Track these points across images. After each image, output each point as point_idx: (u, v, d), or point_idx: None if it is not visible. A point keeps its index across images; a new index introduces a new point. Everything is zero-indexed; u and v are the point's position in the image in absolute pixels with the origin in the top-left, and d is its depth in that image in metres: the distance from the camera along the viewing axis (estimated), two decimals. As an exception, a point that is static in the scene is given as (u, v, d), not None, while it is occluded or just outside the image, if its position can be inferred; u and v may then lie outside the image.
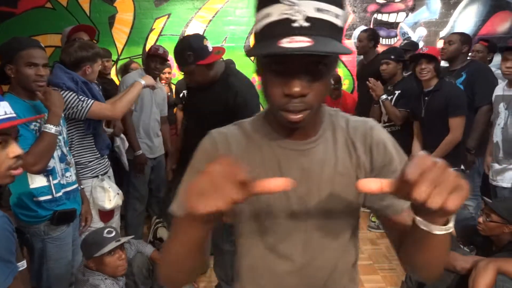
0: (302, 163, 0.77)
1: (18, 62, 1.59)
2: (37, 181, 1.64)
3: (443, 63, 2.91)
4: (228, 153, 0.77)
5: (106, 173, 2.27)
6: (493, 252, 2.04)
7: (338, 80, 3.88)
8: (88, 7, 4.32)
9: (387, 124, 3.13)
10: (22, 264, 1.34)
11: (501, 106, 2.48)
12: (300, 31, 0.60)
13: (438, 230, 0.59)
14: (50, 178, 1.68)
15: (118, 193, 2.27)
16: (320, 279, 0.81)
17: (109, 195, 2.18)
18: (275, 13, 0.61)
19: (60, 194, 1.71)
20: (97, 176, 2.18)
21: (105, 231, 1.83)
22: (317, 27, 0.61)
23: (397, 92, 3.02)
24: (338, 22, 0.63)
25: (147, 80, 2.35)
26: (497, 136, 2.52)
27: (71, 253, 1.82)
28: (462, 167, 2.66)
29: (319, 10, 0.61)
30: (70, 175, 1.80)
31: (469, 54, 3.17)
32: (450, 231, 0.59)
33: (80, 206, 1.89)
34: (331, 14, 0.62)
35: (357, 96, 3.81)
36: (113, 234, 1.83)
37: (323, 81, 0.67)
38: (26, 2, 4.26)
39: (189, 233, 0.65)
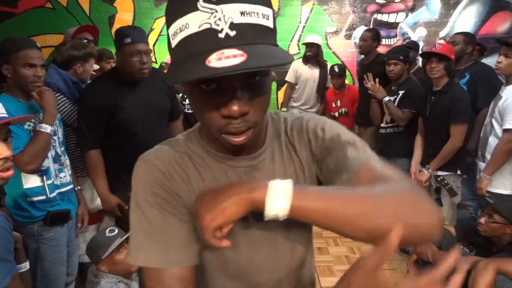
0: (256, 178, 0.70)
1: (15, 62, 1.59)
2: (31, 181, 1.63)
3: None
4: (179, 179, 0.67)
5: None
6: (493, 252, 2.04)
7: (342, 70, 3.86)
8: (88, 7, 4.32)
9: (390, 124, 3.11)
10: (25, 266, 1.33)
11: (492, 105, 2.46)
12: (228, 42, 0.51)
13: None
14: (44, 179, 1.67)
15: None
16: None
17: (92, 195, 2.13)
18: (193, 23, 0.52)
19: (54, 194, 1.70)
20: (84, 177, 2.14)
21: (107, 231, 1.80)
22: (247, 34, 0.52)
23: (401, 92, 2.98)
24: (268, 23, 0.56)
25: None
26: (481, 133, 2.52)
27: (65, 254, 1.80)
28: (459, 172, 2.63)
29: (244, 13, 0.52)
30: (65, 176, 1.79)
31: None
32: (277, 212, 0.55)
33: (75, 207, 1.87)
34: (260, 16, 0.53)
35: (358, 97, 3.80)
36: (116, 232, 1.79)
37: (263, 93, 0.59)
38: (26, 2, 4.26)
39: None
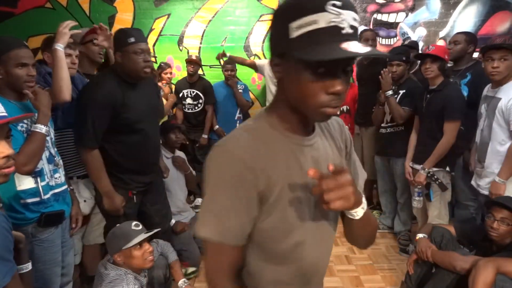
0: (313, 156, 0.85)
1: (7, 63, 1.56)
2: (25, 183, 1.60)
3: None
4: (261, 164, 0.77)
5: (85, 176, 2.20)
6: (492, 252, 2.03)
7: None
8: (88, 7, 4.31)
9: (389, 124, 3.12)
10: (27, 266, 1.33)
11: (483, 108, 2.44)
12: (349, 37, 0.69)
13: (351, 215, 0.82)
14: (38, 180, 1.64)
15: (85, 201, 2.18)
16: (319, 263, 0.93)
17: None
18: (322, 20, 0.68)
19: (48, 196, 1.68)
20: (71, 178, 2.12)
21: (132, 224, 1.86)
22: (355, 34, 0.71)
23: (401, 92, 3.00)
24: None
25: (61, 40, 1.92)
26: (477, 138, 2.50)
27: (60, 255, 1.78)
28: (447, 168, 2.68)
29: (355, 19, 0.71)
30: (59, 176, 1.77)
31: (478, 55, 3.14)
32: (356, 216, 0.81)
33: (69, 207, 1.85)
34: (358, 23, 0.73)
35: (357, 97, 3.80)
36: (140, 227, 1.87)
37: (349, 80, 0.78)
38: (26, 2, 4.25)
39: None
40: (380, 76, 3.03)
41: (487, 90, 2.45)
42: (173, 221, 2.87)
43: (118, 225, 1.90)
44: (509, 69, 2.22)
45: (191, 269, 2.81)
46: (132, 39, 1.91)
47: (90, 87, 2.01)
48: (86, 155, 1.95)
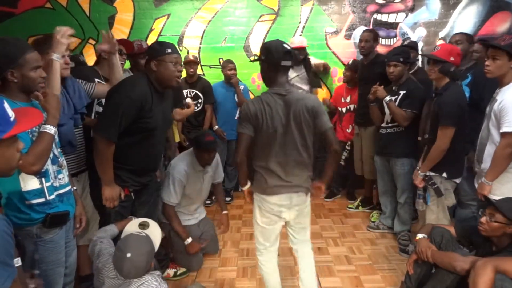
0: None
1: (24, 66, 1.54)
2: (30, 184, 1.60)
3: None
4: None
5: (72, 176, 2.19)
6: (492, 252, 2.04)
7: (354, 66, 3.88)
8: (88, 7, 4.31)
9: (390, 124, 3.12)
10: (17, 261, 1.32)
11: (487, 109, 2.42)
12: None
13: None
14: (43, 181, 1.64)
15: None
16: None
17: None
18: None
19: (53, 196, 1.68)
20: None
21: (138, 228, 2.02)
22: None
23: (401, 93, 3.00)
24: None
25: (58, 49, 1.89)
26: (479, 138, 2.49)
27: (64, 255, 1.79)
28: (444, 174, 2.61)
29: None
30: (63, 177, 1.77)
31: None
32: None
33: (73, 208, 1.86)
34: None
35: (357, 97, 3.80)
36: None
37: None
38: (26, 2, 4.26)
39: None
40: (371, 94, 3.08)
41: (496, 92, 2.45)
42: (189, 240, 2.80)
43: (134, 235, 1.85)
44: (501, 70, 2.20)
45: (181, 270, 2.80)
46: (169, 50, 2.07)
47: (127, 85, 2.07)
48: (103, 145, 2.01)
